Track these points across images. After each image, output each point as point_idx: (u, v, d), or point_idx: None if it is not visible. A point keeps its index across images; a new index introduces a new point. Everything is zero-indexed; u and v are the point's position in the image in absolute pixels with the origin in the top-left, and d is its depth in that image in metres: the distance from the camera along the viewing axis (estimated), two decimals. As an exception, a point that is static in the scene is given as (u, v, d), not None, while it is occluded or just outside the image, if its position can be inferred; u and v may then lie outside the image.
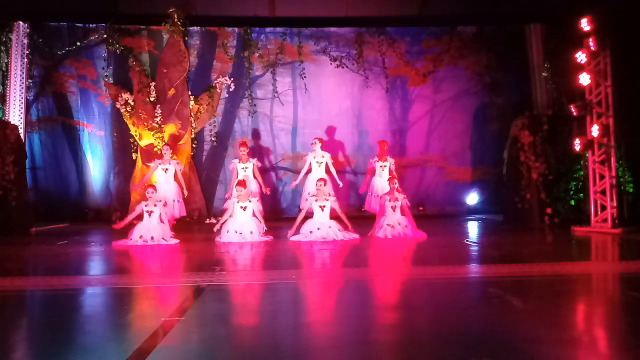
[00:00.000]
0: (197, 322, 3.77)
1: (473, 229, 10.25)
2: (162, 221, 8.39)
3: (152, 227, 8.14)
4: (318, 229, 8.27)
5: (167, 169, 9.70)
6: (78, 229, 10.44)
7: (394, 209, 8.66)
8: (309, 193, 9.39)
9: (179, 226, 9.88)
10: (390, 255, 7.12)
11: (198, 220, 11.81)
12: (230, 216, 8.44)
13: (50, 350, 3.14)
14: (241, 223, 8.33)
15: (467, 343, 3.15)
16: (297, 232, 8.42)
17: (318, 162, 10.19)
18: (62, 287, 4.94)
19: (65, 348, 3.21)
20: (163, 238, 8.14)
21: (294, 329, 3.56)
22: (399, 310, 4.12)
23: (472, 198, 12.79)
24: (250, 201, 8.49)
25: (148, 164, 11.48)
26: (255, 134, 12.58)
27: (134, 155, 12.07)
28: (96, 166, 12.45)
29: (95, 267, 6.84)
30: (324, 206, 8.43)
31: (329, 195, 8.71)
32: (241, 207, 8.41)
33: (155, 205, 8.31)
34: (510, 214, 10.72)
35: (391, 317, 3.85)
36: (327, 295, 4.75)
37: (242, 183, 8.64)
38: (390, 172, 9.81)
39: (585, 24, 8.84)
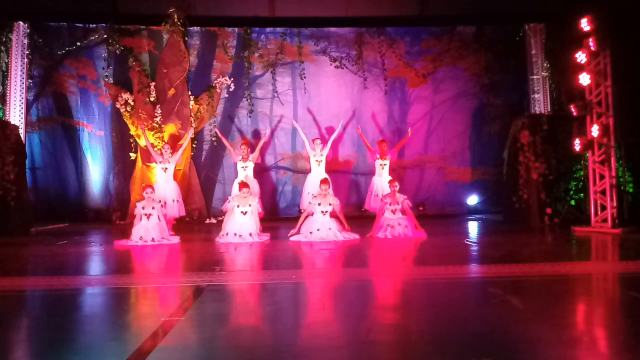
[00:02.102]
0: (197, 322, 3.77)
1: (473, 229, 10.25)
2: (159, 219, 8.31)
3: (151, 228, 8.11)
4: (318, 229, 8.24)
5: (166, 169, 9.69)
6: (78, 229, 10.43)
7: (394, 212, 8.60)
8: (309, 193, 9.37)
9: (179, 226, 9.88)
10: (390, 255, 7.11)
11: (198, 220, 11.81)
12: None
13: (50, 350, 3.14)
14: (240, 225, 8.28)
15: (467, 343, 3.15)
16: (297, 232, 8.41)
17: (317, 160, 10.22)
18: (62, 287, 4.94)
19: (65, 348, 3.21)
20: (163, 237, 8.13)
21: (293, 329, 3.56)
22: (398, 310, 4.12)
23: (472, 198, 12.80)
24: (250, 205, 8.39)
25: (148, 164, 11.51)
26: (256, 134, 12.59)
27: (132, 155, 12.08)
28: (96, 166, 12.46)
29: (95, 267, 6.83)
30: (326, 211, 8.37)
31: (332, 197, 8.57)
32: (242, 212, 8.33)
33: (153, 207, 8.24)
34: (510, 214, 10.72)
35: (391, 317, 3.85)
36: (327, 296, 4.74)
37: (245, 184, 8.56)
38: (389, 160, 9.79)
39: (585, 24, 8.84)
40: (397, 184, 8.82)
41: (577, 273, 5.42)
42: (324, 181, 8.66)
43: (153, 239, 8.00)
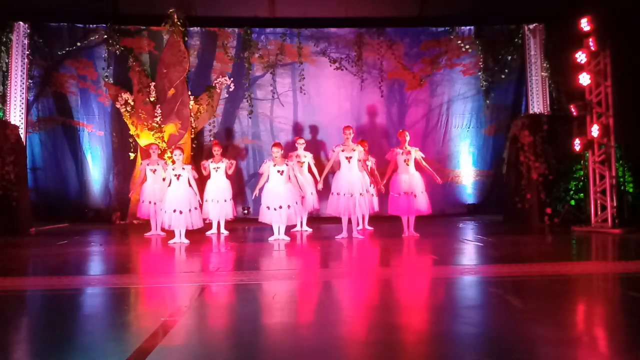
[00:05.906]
0: (197, 322, 3.77)
1: (473, 229, 10.24)
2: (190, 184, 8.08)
3: (179, 197, 7.89)
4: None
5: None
6: (78, 229, 10.44)
7: (407, 162, 8.28)
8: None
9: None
10: (390, 255, 7.12)
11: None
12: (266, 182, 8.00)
13: (50, 350, 3.14)
14: (278, 195, 7.84)
15: (467, 343, 3.15)
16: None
17: (300, 162, 9.86)
18: (62, 287, 4.94)
19: (65, 348, 3.20)
20: (196, 208, 8.01)
21: (293, 329, 3.56)
22: (398, 310, 4.12)
23: (472, 199, 12.79)
24: (287, 165, 7.96)
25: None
26: (255, 135, 12.60)
27: (131, 155, 12.07)
28: (96, 166, 12.47)
29: (95, 267, 6.83)
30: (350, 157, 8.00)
31: (355, 145, 8.16)
32: (278, 171, 7.89)
33: (183, 168, 7.97)
34: (510, 214, 10.72)
35: (391, 317, 3.84)
36: (328, 295, 4.74)
37: (277, 144, 8.21)
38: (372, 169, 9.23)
39: (585, 24, 8.84)
40: (407, 134, 8.45)
41: (577, 273, 5.42)
42: (347, 127, 8.24)
43: (181, 212, 7.86)
